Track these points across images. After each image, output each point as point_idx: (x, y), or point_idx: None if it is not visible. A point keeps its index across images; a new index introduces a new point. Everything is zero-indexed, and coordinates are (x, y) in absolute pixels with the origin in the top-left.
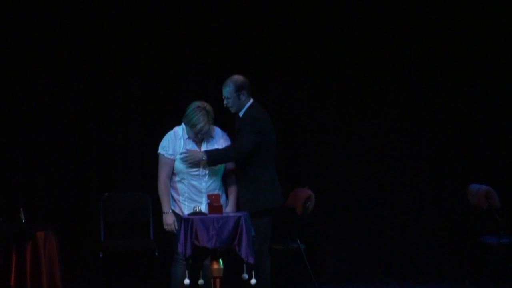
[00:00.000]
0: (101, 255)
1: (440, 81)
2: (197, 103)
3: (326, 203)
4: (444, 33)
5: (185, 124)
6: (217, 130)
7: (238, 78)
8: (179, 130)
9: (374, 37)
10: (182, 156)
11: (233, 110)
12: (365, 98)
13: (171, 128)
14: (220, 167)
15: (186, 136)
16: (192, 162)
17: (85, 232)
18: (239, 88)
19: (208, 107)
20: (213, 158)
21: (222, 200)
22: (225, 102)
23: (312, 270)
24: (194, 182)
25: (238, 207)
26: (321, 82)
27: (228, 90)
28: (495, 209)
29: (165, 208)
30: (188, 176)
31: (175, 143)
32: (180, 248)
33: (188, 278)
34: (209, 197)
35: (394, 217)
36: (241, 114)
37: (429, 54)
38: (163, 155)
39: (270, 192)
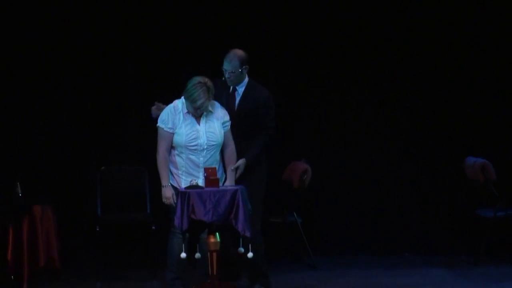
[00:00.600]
0: (98, 229)
1: (436, 56)
2: (198, 79)
3: (322, 177)
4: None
5: (185, 99)
6: (216, 105)
7: (242, 53)
8: (179, 104)
9: (370, 19)
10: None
11: (233, 84)
12: (362, 72)
13: (169, 102)
14: (219, 142)
15: (185, 111)
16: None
17: (82, 206)
18: (242, 63)
19: (209, 83)
20: (250, 160)
21: (219, 174)
22: (227, 76)
23: (309, 243)
24: (192, 156)
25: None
26: (318, 56)
27: (233, 65)
28: (491, 182)
29: (164, 181)
30: (186, 150)
31: (174, 116)
32: (176, 221)
33: (185, 251)
34: (205, 170)
35: (390, 190)
36: (240, 89)
37: (422, 31)
38: (162, 128)
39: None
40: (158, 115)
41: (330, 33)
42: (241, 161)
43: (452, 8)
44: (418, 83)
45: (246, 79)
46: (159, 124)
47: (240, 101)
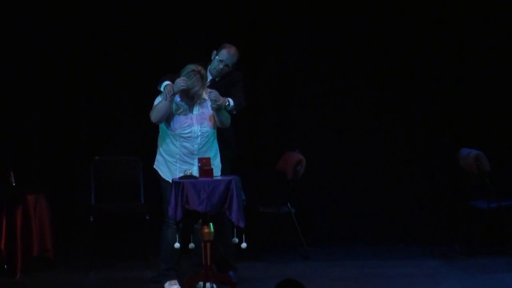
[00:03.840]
0: (91, 219)
1: (429, 48)
2: (191, 67)
3: (316, 167)
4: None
5: None
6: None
7: (238, 52)
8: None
9: (363, 11)
10: (212, 94)
11: (219, 76)
12: (356, 62)
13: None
14: (213, 129)
15: (178, 99)
16: (218, 105)
17: (76, 195)
18: (237, 61)
19: (203, 71)
20: (235, 104)
21: (217, 162)
22: (221, 66)
23: (303, 234)
24: (186, 144)
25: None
26: (312, 46)
27: (233, 61)
28: (485, 173)
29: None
30: (180, 138)
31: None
32: (170, 212)
33: (179, 242)
34: (199, 160)
35: (384, 181)
36: (217, 79)
37: (414, 25)
38: (155, 105)
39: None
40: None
41: (324, 25)
42: (225, 100)
43: (442, 4)
44: (412, 75)
45: None
46: (154, 104)
47: (222, 89)
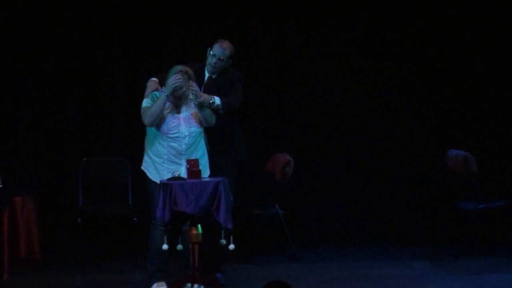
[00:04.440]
0: (79, 220)
1: (416, 49)
2: (179, 67)
3: (304, 169)
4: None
5: (166, 88)
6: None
7: (232, 47)
8: (157, 94)
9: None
10: (194, 90)
11: (213, 71)
12: (344, 63)
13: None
14: (200, 129)
15: None
16: (202, 102)
17: (63, 197)
18: (231, 56)
19: (190, 71)
20: (224, 104)
21: (204, 162)
22: (214, 61)
23: (291, 235)
24: (174, 144)
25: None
26: (300, 48)
27: (226, 54)
28: (473, 174)
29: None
30: (167, 138)
31: None
32: (158, 213)
33: (167, 243)
34: (187, 162)
35: (372, 182)
36: (214, 76)
37: (402, 24)
38: (145, 106)
39: (243, 145)
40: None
41: (311, 26)
42: (209, 98)
43: (434, 4)
44: (401, 76)
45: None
46: (142, 106)
47: (217, 87)
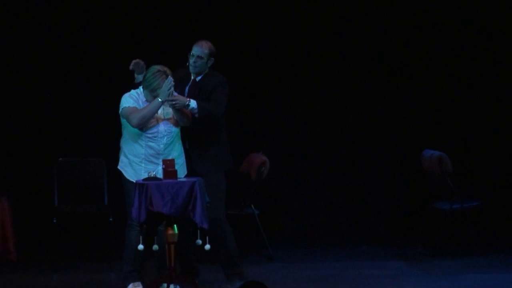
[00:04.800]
0: (54, 220)
1: (393, 49)
2: (157, 67)
3: (280, 169)
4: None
5: (144, 88)
6: (175, 94)
7: (212, 45)
8: (134, 94)
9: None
10: (170, 98)
11: (195, 71)
12: (319, 62)
13: (127, 91)
14: (178, 129)
15: (144, 99)
16: (178, 105)
17: (39, 197)
18: (211, 54)
19: (168, 71)
20: (201, 108)
21: (181, 162)
22: (193, 61)
23: (266, 235)
24: (152, 144)
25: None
26: (276, 47)
27: (204, 52)
28: (448, 174)
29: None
30: (145, 138)
31: (138, 101)
32: (134, 213)
33: (142, 243)
34: (163, 162)
35: (347, 182)
36: (198, 79)
37: (382, 23)
38: (128, 106)
39: (229, 154)
40: (134, 69)
41: (288, 26)
42: (185, 100)
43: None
44: (376, 76)
45: (206, 71)
46: (125, 105)
47: (198, 89)
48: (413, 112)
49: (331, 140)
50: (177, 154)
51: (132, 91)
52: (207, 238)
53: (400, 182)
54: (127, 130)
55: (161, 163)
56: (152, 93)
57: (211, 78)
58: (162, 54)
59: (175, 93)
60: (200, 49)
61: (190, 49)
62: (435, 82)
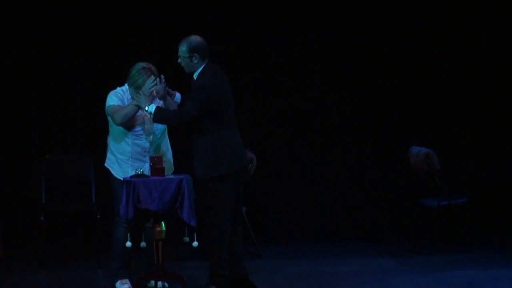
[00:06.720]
0: (42, 218)
1: (380, 45)
2: (142, 65)
3: (267, 166)
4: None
5: (129, 86)
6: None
7: (193, 39)
8: (120, 91)
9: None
10: (136, 98)
11: (186, 70)
12: (305, 59)
13: (113, 89)
14: (164, 126)
15: (129, 97)
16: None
17: (26, 194)
18: (192, 50)
19: (153, 68)
20: (156, 114)
21: (168, 159)
22: (179, 60)
23: (254, 232)
24: (138, 141)
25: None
26: (261, 44)
27: (182, 50)
28: (435, 171)
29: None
30: (131, 136)
31: (123, 98)
32: (122, 210)
33: (130, 241)
34: (151, 159)
35: (335, 179)
36: (195, 76)
37: (370, 21)
38: (113, 105)
39: (225, 157)
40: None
41: (273, 22)
42: (146, 102)
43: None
44: (364, 72)
45: (202, 66)
46: (110, 103)
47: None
48: (400, 108)
49: (318, 137)
50: (164, 152)
51: (118, 88)
52: (195, 235)
53: (387, 178)
54: (114, 128)
55: (148, 160)
56: (137, 90)
57: (198, 78)
58: (149, 52)
59: (169, 91)
60: (179, 48)
61: None
62: (422, 79)
